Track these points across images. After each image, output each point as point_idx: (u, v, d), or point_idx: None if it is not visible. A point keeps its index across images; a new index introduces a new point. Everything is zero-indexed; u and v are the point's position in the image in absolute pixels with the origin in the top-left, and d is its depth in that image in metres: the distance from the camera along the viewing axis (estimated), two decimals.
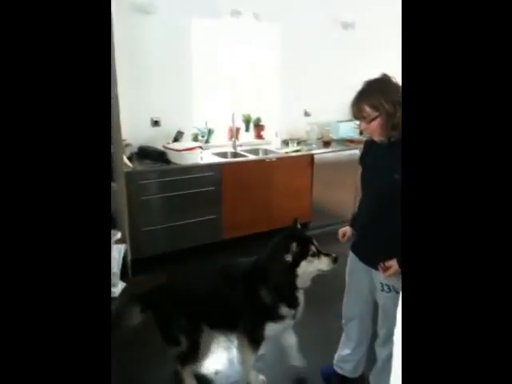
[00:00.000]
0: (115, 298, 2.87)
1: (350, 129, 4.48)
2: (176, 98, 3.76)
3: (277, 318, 1.96)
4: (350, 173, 4.11)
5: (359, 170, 1.89)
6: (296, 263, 1.87)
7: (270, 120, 4.39)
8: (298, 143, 4.18)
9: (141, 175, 3.26)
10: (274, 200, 3.89)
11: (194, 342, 2.04)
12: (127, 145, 3.38)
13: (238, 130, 4.13)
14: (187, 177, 3.42)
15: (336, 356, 2.19)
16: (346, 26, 4.41)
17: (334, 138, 4.46)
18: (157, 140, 3.63)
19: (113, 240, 2.95)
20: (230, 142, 4.07)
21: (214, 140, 4.06)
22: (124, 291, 3.00)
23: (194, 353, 2.06)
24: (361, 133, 1.80)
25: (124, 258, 3.10)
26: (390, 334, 1.75)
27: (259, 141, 4.30)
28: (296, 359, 2.23)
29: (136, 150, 3.54)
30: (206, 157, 3.66)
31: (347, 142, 4.41)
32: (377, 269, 1.73)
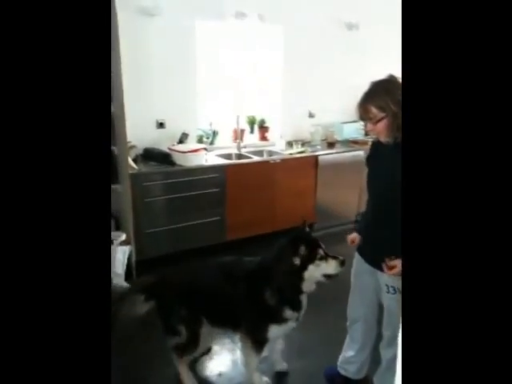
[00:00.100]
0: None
1: (354, 130, 4.48)
2: (181, 99, 3.77)
3: (280, 320, 1.96)
4: (354, 174, 4.10)
5: (365, 171, 1.89)
6: (304, 267, 1.85)
7: (274, 122, 4.39)
8: (303, 144, 4.17)
9: (146, 177, 3.27)
10: (278, 201, 3.89)
11: (194, 334, 2.06)
12: (132, 147, 3.40)
13: (242, 131, 4.13)
14: (192, 178, 3.42)
15: (340, 357, 2.18)
16: (350, 26, 4.41)
17: (339, 139, 4.45)
18: (162, 142, 3.64)
19: (117, 242, 2.95)
20: (235, 144, 4.08)
21: (218, 142, 4.07)
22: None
23: (193, 344, 2.07)
24: (366, 134, 1.80)
25: (128, 260, 3.11)
26: (395, 336, 1.75)
27: (264, 142, 4.30)
28: (279, 363, 2.30)
29: (141, 151, 3.55)
30: (211, 158, 3.67)
31: (351, 144, 4.40)
32: (382, 270, 1.72)
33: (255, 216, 3.80)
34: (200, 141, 3.93)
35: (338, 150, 4.21)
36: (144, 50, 3.51)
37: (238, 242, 3.71)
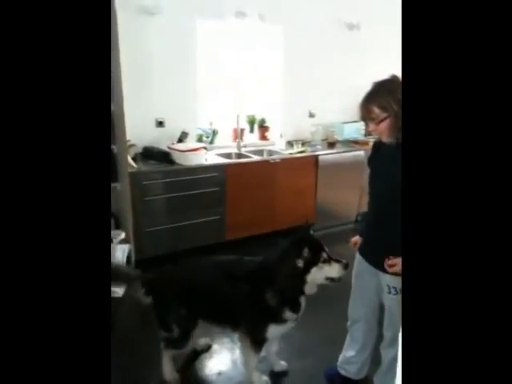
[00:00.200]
0: (119, 299, 2.87)
1: (354, 130, 4.49)
2: (181, 98, 3.77)
3: (280, 320, 1.96)
4: (354, 174, 4.10)
5: (367, 171, 1.89)
6: (307, 269, 1.85)
7: (274, 121, 4.39)
8: (303, 144, 4.17)
9: (145, 176, 3.27)
10: (278, 201, 3.89)
11: (187, 333, 2.09)
12: (132, 145, 3.39)
13: (242, 131, 4.13)
14: (191, 177, 3.42)
15: (340, 358, 2.18)
16: (350, 26, 4.40)
17: (339, 139, 4.45)
18: (161, 141, 3.64)
19: (117, 240, 2.96)
20: (235, 143, 4.07)
21: (218, 141, 4.07)
22: (128, 291, 3.01)
23: (183, 342, 2.11)
24: (369, 134, 1.80)
25: (128, 258, 3.11)
26: (396, 336, 1.75)
27: (264, 142, 4.30)
28: (277, 364, 2.30)
29: (140, 150, 3.55)
30: (211, 157, 3.66)
31: (352, 143, 4.40)
32: (384, 271, 1.72)
33: (255, 215, 3.80)
34: (200, 140, 3.93)
35: (339, 150, 4.21)
36: (144, 49, 3.51)
37: (237, 241, 3.71)
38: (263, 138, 4.33)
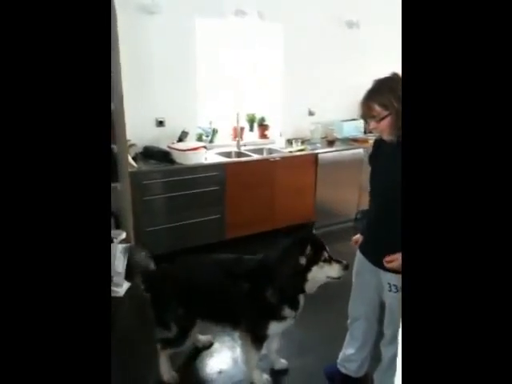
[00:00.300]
0: (120, 298, 2.88)
1: (354, 128, 4.49)
2: (180, 98, 3.76)
3: (280, 318, 1.97)
4: (353, 172, 4.11)
5: (367, 169, 1.88)
6: (308, 267, 1.87)
7: (274, 119, 4.39)
8: (302, 142, 4.17)
9: (145, 175, 3.27)
10: (278, 199, 3.89)
11: (184, 332, 2.09)
12: (132, 145, 3.39)
13: (242, 129, 4.13)
14: (191, 177, 3.42)
15: (340, 355, 2.19)
16: (350, 25, 4.40)
17: (338, 137, 4.45)
18: (161, 140, 3.64)
19: (117, 240, 2.95)
20: (234, 142, 4.07)
21: (218, 140, 4.06)
22: (128, 291, 3.01)
23: (180, 341, 2.11)
24: (368, 132, 1.80)
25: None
26: (396, 334, 1.75)
27: (263, 140, 4.30)
28: (278, 363, 2.31)
29: (141, 150, 3.55)
30: (210, 156, 3.66)
31: (351, 142, 4.39)
32: (385, 269, 1.72)
33: (255, 214, 3.80)
34: (199, 139, 3.93)
35: (338, 148, 4.20)
36: (144, 48, 3.50)
37: (237, 240, 3.71)
38: (263, 136, 4.33)
